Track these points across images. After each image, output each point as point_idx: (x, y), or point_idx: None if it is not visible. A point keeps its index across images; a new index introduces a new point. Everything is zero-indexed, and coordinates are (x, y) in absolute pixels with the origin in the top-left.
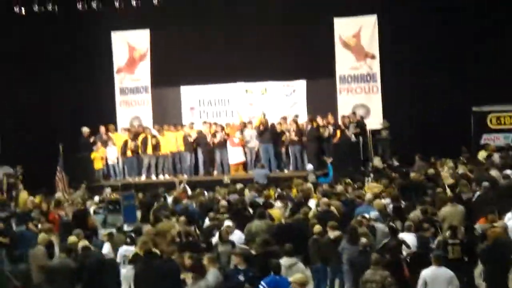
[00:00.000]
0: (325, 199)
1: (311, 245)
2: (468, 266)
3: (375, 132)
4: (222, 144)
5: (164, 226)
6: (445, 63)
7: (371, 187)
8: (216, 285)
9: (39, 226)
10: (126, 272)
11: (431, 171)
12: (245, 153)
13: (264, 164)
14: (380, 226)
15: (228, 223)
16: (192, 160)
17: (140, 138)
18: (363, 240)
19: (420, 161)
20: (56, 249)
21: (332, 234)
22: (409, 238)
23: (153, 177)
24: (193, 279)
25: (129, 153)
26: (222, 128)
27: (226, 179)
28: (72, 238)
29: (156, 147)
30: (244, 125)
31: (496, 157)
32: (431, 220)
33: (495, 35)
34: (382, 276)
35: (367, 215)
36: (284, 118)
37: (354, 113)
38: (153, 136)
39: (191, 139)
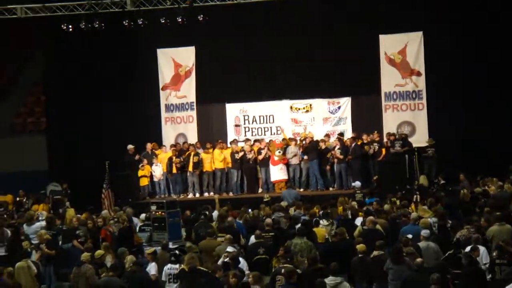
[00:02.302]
0: (370, 217)
1: (356, 264)
2: None
3: (420, 150)
4: (266, 162)
5: (209, 243)
6: (492, 79)
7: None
8: None
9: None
10: None
11: (478, 189)
12: (288, 171)
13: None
14: (431, 245)
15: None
16: (239, 177)
17: (185, 155)
18: (418, 259)
19: (465, 180)
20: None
21: (374, 253)
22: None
23: (197, 195)
24: None
25: (174, 170)
26: (266, 146)
27: (266, 196)
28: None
29: (197, 164)
30: (287, 142)
31: None
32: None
33: None
34: None
35: (410, 235)
36: (328, 135)
37: (399, 130)
38: (196, 154)
39: (238, 156)
